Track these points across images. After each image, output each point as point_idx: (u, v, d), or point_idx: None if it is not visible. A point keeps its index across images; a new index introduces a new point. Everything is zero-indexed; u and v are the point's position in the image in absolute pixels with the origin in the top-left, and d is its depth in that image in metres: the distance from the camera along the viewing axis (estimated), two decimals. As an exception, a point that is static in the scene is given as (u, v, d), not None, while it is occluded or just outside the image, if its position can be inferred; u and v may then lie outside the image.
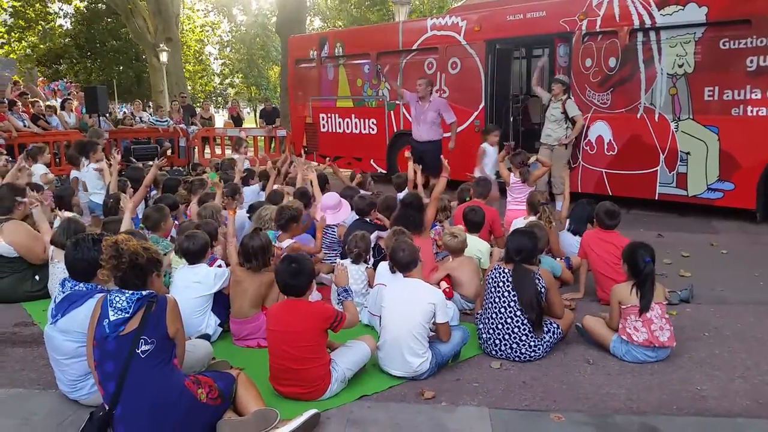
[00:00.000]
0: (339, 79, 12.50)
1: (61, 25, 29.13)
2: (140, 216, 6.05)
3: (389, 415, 3.39)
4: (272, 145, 15.74)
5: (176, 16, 23.80)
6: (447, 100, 10.11)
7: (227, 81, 38.47)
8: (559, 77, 9.02)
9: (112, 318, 2.95)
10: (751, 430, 3.22)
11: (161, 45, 21.91)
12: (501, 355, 4.05)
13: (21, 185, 6.18)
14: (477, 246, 5.32)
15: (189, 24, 34.17)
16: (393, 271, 4.30)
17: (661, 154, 8.32)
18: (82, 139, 9.48)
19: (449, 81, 10.57)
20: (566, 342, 4.28)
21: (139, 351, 2.90)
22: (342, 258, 5.25)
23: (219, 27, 37.57)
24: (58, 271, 4.84)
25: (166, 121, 14.79)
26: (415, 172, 6.80)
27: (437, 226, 5.96)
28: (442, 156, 6.97)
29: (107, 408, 2.92)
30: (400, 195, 6.35)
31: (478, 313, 4.36)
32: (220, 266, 4.61)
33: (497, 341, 4.04)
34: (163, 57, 22.03)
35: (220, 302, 4.50)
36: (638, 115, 8.44)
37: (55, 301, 3.50)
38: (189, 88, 28.76)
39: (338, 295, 3.83)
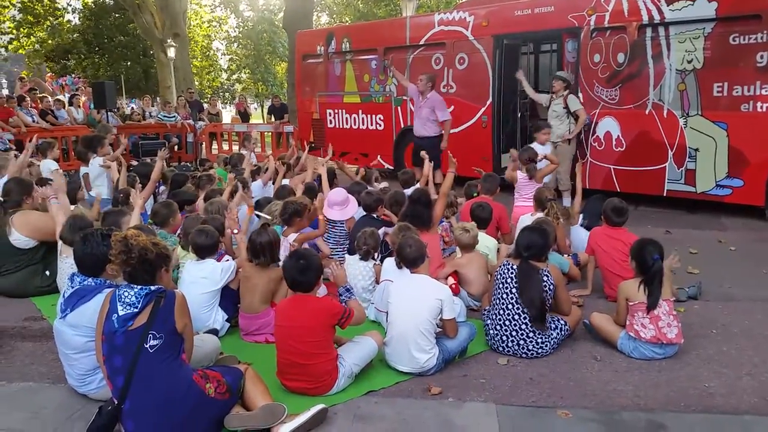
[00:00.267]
0: (346, 75, 12.48)
1: (69, 21, 29.22)
2: (148, 211, 6.09)
3: (396, 410, 3.40)
4: (280, 141, 15.75)
5: (183, 11, 23.84)
6: (455, 96, 10.16)
7: (234, 77, 38.49)
8: (560, 73, 9.00)
9: (120, 313, 2.97)
10: (759, 427, 3.21)
11: (169, 40, 21.94)
12: (508, 351, 4.05)
13: (29, 180, 6.22)
14: (484, 242, 5.32)
15: (196, 19, 34.21)
16: (399, 267, 4.31)
17: (669, 151, 8.28)
18: (89, 134, 9.52)
19: (456, 76, 10.54)
20: (573, 338, 4.28)
21: (147, 346, 2.92)
22: (350, 254, 5.26)
23: (226, 22, 37.62)
24: (66, 266, 4.86)
25: (174, 116, 14.82)
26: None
27: (444, 222, 5.96)
28: (448, 151, 6.94)
29: (116, 402, 2.94)
30: (408, 191, 6.35)
31: (485, 310, 4.36)
32: (227, 261, 4.63)
33: (504, 337, 4.04)
34: (171, 52, 22.07)
35: (228, 297, 4.52)
36: (647, 111, 8.39)
37: (64, 296, 3.52)
38: (196, 83, 28.81)
39: (340, 295, 3.83)
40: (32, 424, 3.31)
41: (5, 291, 5.43)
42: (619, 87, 8.63)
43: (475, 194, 6.40)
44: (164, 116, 14.86)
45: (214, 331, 4.25)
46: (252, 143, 10.56)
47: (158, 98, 19.09)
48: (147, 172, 6.91)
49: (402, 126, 11.44)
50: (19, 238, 5.40)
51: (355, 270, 4.88)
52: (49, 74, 23.37)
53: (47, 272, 5.45)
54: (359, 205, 5.92)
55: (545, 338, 4.02)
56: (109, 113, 13.53)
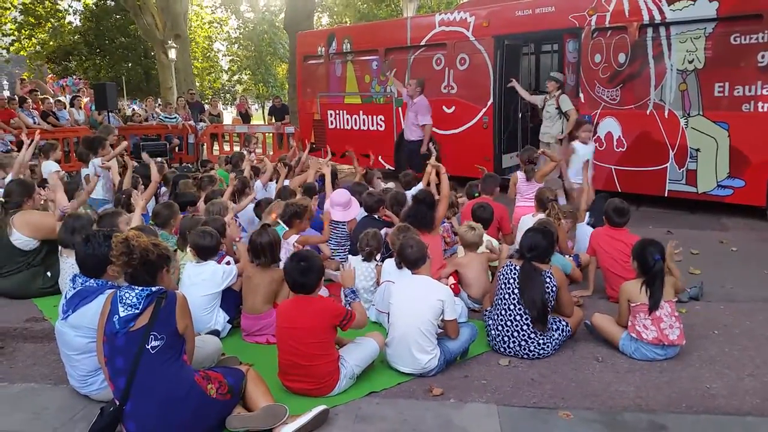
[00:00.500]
0: (347, 76, 12.49)
1: (70, 23, 29.22)
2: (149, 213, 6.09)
3: (397, 411, 3.40)
4: (281, 142, 15.76)
5: (184, 12, 23.82)
6: (456, 96, 10.18)
7: (235, 78, 38.50)
8: (552, 74, 9.08)
9: (122, 314, 2.97)
10: (761, 428, 3.21)
11: (170, 42, 21.94)
12: (509, 352, 4.05)
13: (31, 181, 6.23)
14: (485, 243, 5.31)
15: (197, 21, 34.22)
16: (399, 267, 4.31)
17: (670, 151, 8.27)
18: (90, 135, 9.53)
19: (457, 77, 10.54)
20: (575, 339, 4.27)
21: (149, 347, 2.92)
22: (351, 254, 5.26)
23: (227, 24, 37.63)
24: (67, 266, 4.88)
25: (175, 117, 14.82)
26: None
27: (446, 223, 5.96)
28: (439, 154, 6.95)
29: (118, 403, 2.94)
30: (409, 192, 6.35)
31: (486, 310, 4.36)
32: (228, 263, 4.63)
33: (506, 338, 4.04)
34: (172, 54, 22.05)
35: (230, 299, 4.52)
36: (648, 112, 8.39)
37: (65, 297, 3.52)
38: (197, 84, 28.81)
39: (345, 296, 3.83)
40: (34, 425, 3.31)
41: (7, 292, 5.43)
42: (620, 87, 8.63)
43: (476, 195, 6.40)
44: (165, 117, 14.86)
45: (215, 332, 4.25)
46: (253, 144, 10.56)
47: (159, 99, 19.05)
48: (149, 173, 6.92)
49: (403, 127, 11.43)
50: (19, 238, 5.40)
51: (358, 271, 4.87)
52: (50, 76, 23.36)
53: (48, 273, 5.44)
54: (361, 205, 5.92)
55: (547, 339, 4.02)
56: (110, 114, 13.52)
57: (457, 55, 10.45)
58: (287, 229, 5.32)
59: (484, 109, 10.19)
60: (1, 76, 29.71)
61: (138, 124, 14.75)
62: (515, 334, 4.01)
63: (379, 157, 11.77)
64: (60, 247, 5.10)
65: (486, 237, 5.27)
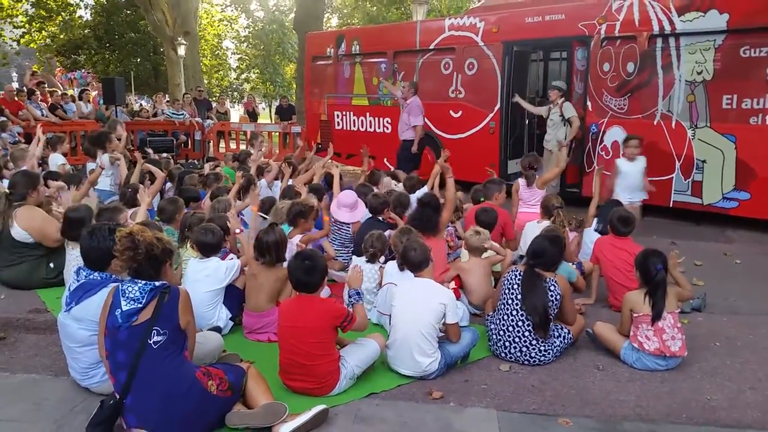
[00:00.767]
0: (355, 77, 12.51)
1: (81, 17, 29.33)
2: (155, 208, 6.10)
3: (397, 413, 3.40)
4: (286, 142, 15.79)
5: (195, 9, 23.89)
6: (464, 101, 10.20)
7: (243, 76, 38.58)
8: (555, 83, 9.12)
9: (124, 308, 2.97)
10: (761, 441, 3.20)
11: (179, 38, 22.00)
12: (510, 358, 4.05)
13: (36, 173, 6.24)
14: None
15: (207, 18, 34.31)
16: (401, 269, 4.31)
17: (677, 162, 8.26)
18: (96, 130, 9.57)
19: (465, 82, 10.55)
20: (576, 347, 4.27)
21: (151, 342, 2.93)
22: (355, 255, 5.26)
23: (237, 22, 37.70)
24: (73, 258, 4.90)
25: (182, 113, 14.87)
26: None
27: (450, 227, 5.95)
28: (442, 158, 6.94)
29: (118, 397, 2.95)
30: (413, 196, 6.35)
31: (488, 315, 4.36)
32: (231, 259, 4.63)
33: (507, 344, 4.04)
34: (181, 50, 22.11)
35: (233, 296, 4.53)
36: (655, 122, 8.38)
37: (69, 289, 3.53)
38: (205, 82, 28.87)
39: (349, 297, 3.84)
40: (34, 416, 3.32)
41: (10, 282, 5.46)
42: (627, 96, 8.62)
43: (481, 199, 6.40)
44: (172, 113, 14.90)
45: (217, 329, 4.26)
46: (260, 142, 10.58)
47: (167, 96, 19.10)
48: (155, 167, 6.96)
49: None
50: (18, 232, 5.42)
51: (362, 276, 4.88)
52: (58, 68, 23.42)
53: (51, 264, 5.46)
54: (366, 207, 5.93)
55: (548, 346, 4.01)
56: (117, 109, 13.57)
57: (466, 59, 10.46)
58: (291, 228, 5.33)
59: (491, 115, 10.19)
60: (10, 67, 29.78)
61: (145, 119, 14.81)
62: (516, 339, 4.00)
63: (385, 159, 11.78)
64: (66, 240, 5.13)
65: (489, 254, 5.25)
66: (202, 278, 4.40)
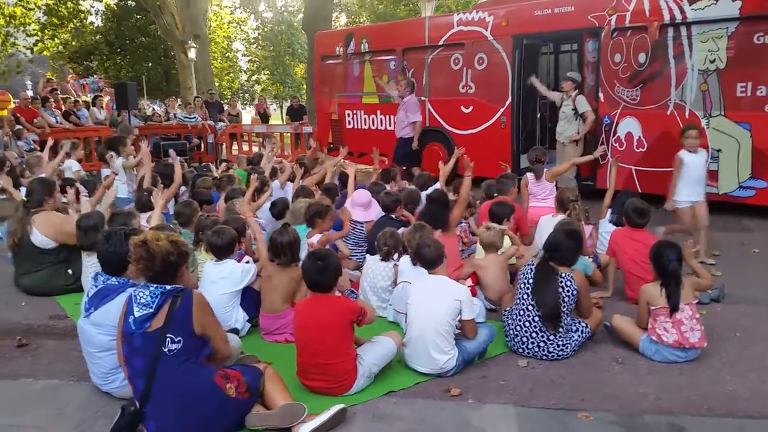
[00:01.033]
0: (365, 76, 12.51)
1: (92, 23, 29.55)
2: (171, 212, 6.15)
3: (415, 411, 3.41)
4: (298, 142, 15.83)
5: (204, 12, 24.02)
6: (474, 96, 10.16)
7: (254, 78, 38.70)
8: (570, 74, 9.04)
9: (137, 314, 2.98)
10: (784, 432, 3.17)
11: (189, 42, 22.10)
12: (528, 353, 4.03)
13: (52, 180, 6.31)
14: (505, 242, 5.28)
15: (216, 21, 34.45)
16: (414, 264, 4.31)
17: (691, 151, 8.17)
18: (110, 135, 9.66)
19: (475, 77, 10.51)
20: (594, 341, 4.25)
21: (165, 350, 2.92)
22: (369, 254, 5.27)
23: (246, 24, 37.83)
24: (89, 264, 4.93)
25: (195, 117, 14.95)
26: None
27: (463, 224, 5.95)
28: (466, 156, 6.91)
29: (138, 405, 2.97)
30: (424, 193, 6.34)
31: (506, 311, 4.35)
32: (248, 262, 4.65)
33: (524, 339, 4.03)
34: (192, 53, 22.21)
35: (250, 298, 4.54)
36: (668, 112, 8.31)
37: (87, 295, 3.56)
38: (216, 84, 28.99)
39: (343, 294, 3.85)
40: (56, 421, 3.36)
41: (30, 290, 5.52)
42: (640, 87, 8.56)
43: (495, 195, 6.38)
44: (185, 117, 14.98)
45: (234, 331, 4.27)
46: (272, 143, 10.63)
47: (179, 99, 19.19)
48: (168, 173, 6.99)
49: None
50: (39, 238, 5.46)
51: (376, 270, 4.89)
52: (70, 75, 23.61)
53: (70, 271, 5.51)
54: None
55: (566, 340, 4.00)
56: (130, 114, 13.68)
57: (476, 54, 10.42)
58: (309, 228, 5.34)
59: (503, 109, 10.15)
60: (24, 75, 30.10)
61: (158, 123, 14.90)
62: (534, 335, 3.99)
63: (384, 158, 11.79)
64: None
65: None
66: (218, 280, 4.42)
